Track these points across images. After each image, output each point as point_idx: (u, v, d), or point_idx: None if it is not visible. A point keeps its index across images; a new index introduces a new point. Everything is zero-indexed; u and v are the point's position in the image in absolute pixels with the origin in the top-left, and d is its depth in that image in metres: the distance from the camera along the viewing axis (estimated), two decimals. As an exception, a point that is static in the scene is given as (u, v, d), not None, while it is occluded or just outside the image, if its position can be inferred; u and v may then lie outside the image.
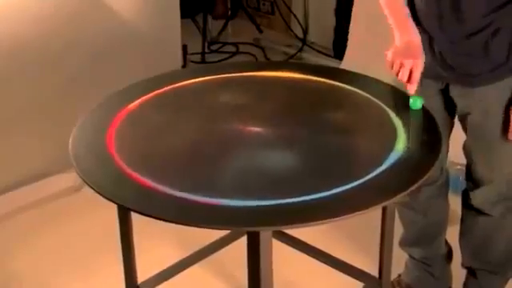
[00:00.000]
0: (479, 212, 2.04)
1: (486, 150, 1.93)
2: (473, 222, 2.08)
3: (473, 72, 1.83)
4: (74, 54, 2.88)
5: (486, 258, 2.13)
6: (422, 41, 1.81)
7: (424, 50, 1.80)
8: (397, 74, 1.74)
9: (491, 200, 2.00)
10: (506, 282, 2.20)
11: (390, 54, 1.76)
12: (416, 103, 1.77)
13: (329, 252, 2.22)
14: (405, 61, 1.73)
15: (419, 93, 1.78)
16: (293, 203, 1.44)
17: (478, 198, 2.02)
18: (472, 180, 2.01)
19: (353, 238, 2.57)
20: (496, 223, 2.03)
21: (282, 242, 2.26)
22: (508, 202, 2.01)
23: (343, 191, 1.47)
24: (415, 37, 1.79)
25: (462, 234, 2.15)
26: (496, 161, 1.94)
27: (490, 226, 2.05)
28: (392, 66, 1.74)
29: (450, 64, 1.85)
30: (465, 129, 1.96)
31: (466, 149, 1.99)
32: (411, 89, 1.75)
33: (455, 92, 1.90)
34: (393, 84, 1.91)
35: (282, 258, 1.87)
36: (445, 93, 1.93)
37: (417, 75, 1.74)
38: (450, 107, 1.97)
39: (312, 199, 1.44)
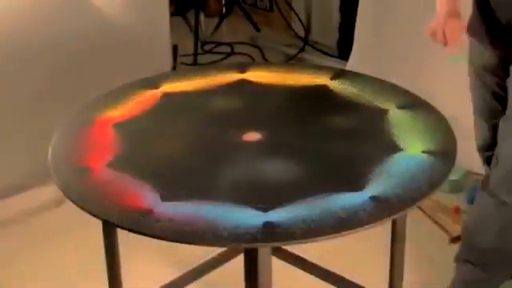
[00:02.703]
0: (494, 195, 2.10)
1: None
2: (486, 206, 2.14)
3: None
4: (51, 55, 2.87)
5: (487, 251, 2.17)
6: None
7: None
8: (444, 43, 1.97)
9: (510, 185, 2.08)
10: (497, 285, 2.25)
11: (431, 22, 2.00)
12: (455, 61, 2.06)
13: (333, 267, 2.24)
14: (445, 24, 1.96)
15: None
16: (293, 218, 1.44)
17: (495, 179, 2.09)
18: (497, 158, 2.09)
19: (359, 251, 2.57)
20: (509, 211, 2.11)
21: (281, 259, 2.27)
22: None
23: (349, 203, 1.48)
24: (455, 6, 2.01)
25: (470, 219, 2.23)
26: None
27: (505, 216, 2.11)
28: (434, 34, 1.98)
29: None
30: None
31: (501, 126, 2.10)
32: (451, 48, 1.99)
33: None
34: (404, 87, 1.95)
35: (282, 277, 1.87)
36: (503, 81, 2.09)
37: (455, 36, 1.97)
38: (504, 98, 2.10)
39: (314, 212, 1.45)
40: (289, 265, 2.29)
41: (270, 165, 1.66)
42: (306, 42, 4.32)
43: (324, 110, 1.92)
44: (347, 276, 2.19)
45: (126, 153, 1.72)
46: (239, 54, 4.35)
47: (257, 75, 2.09)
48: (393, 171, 1.60)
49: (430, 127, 1.78)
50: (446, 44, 1.98)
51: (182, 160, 1.71)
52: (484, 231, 2.19)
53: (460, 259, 2.25)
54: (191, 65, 4.17)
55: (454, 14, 2.00)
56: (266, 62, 4.08)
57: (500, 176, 2.08)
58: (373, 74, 2.05)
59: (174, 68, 3.78)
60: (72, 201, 1.53)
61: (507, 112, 2.06)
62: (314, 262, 2.27)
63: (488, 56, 2.14)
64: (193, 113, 1.91)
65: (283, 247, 2.25)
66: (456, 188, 2.87)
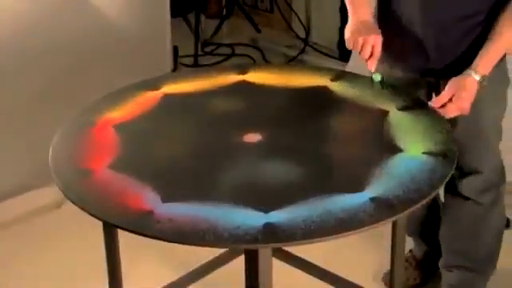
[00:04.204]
0: (467, 199, 2.13)
1: (476, 142, 2.05)
2: (460, 209, 2.16)
3: (462, 61, 1.92)
4: (51, 56, 2.86)
5: (470, 251, 2.20)
6: (410, 37, 1.98)
7: (413, 47, 1.98)
8: (360, 51, 1.92)
9: (480, 188, 2.11)
10: (484, 282, 2.27)
11: (348, 33, 1.95)
12: (377, 78, 1.97)
13: (333, 268, 2.24)
14: (367, 37, 1.91)
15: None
16: (293, 219, 1.44)
17: (466, 186, 2.12)
18: (459, 169, 2.08)
19: (359, 252, 2.57)
20: (485, 211, 2.13)
21: (282, 260, 2.26)
22: (498, 190, 2.13)
23: (349, 204, 1.49)
24: (369, 17, 1.99)
25: (445, 227, 2.23)
26: (485, 152, 2.07)
27: (479, 215, 2.14)
28: (352, 44, 1.92)
29: (438, 55, 1.97)
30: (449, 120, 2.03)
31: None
32: (372, 65, 1.93)
33: (444, 85, 1.98)
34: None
35: (283, 278, 1.88)
36: (432, 86, 2.05)
37: (378, 51, 1.92)
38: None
39: (315, 213, 1.46)
40: (289, 266, 2.29)
41: (271, 166, 1.66)
42: (307, 43, 4.32)
43: (324, 111, 1.92)
44: (347, 277, 2.19)
45: (127, 154, 1.72)
46: (240, 55, 4.35)
47: (257, 76, 2.09)
48: (393, 172, 1.60)
49: (430, 128, 1.78)
50: (369, 58, 1.91)
51: (183, 161, 1.71)
52: (462, 234, 2.21)
53: (446, 266, 2.26)
54: (191, 66, 4.17)
55: (374, 26, 1.96)
56: (266, 64, 4.08)
57: (477, 182, 2.10)
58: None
59: (174, 69, 3.78)
60: (73, 202, 1.53)
61: (462, 131, 2.01)
62: (314, 262, 2.27)
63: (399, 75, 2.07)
64: (193, 114, 1.91)
65: (284, 248, 2.25)
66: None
